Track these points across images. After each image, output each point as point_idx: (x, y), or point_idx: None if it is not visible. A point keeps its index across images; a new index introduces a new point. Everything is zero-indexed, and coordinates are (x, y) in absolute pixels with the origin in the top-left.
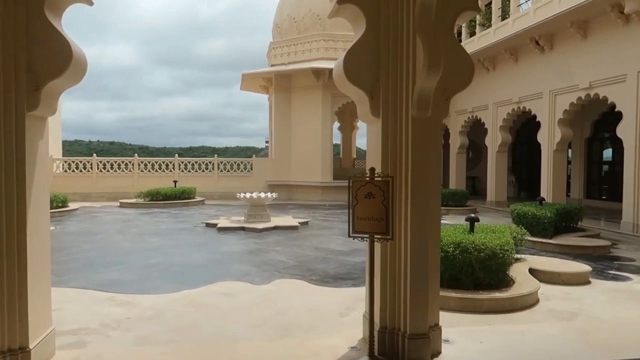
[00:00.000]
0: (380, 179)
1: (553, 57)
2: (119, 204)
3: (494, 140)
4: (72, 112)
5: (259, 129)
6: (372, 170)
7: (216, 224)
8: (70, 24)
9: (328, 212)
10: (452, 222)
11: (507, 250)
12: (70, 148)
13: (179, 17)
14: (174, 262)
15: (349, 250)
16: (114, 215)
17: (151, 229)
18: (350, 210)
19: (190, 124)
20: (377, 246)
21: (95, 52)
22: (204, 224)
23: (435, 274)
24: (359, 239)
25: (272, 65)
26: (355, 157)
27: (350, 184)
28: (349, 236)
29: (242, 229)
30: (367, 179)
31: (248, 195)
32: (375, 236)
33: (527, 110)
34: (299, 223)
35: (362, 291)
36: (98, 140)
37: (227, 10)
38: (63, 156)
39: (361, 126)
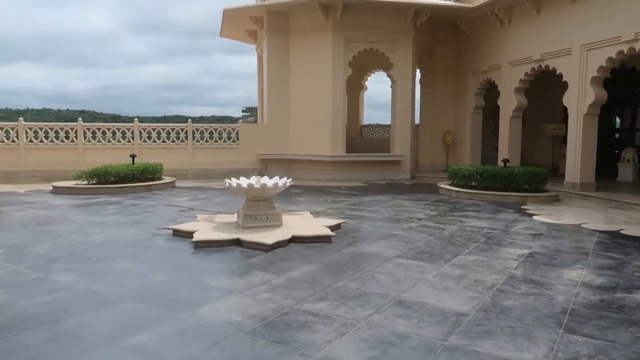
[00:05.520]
0: None
1: None
2: (51, 189)
3: (581, 100)
4: (42, 80)
5: (235, 98)
6: None
7: (191, 233)
8: None
9: (353, 202)
10: (552, 220)
11: None
12: (38, 117)
13: None
14: None
15: (478, 310)
16: (33, 209)
17: (76, 245)
18: None
19: (166, 93)
20: None
21: (65, 17)
22: (171, 231)
23: None
24: None
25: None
26: (362, 124)
27: None
28: None
29: (238, 243)
30: None
31: (244, 182)
32: None
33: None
34: (330, 229)
35: None
36: (67, 109)
37: None
38: None
39: (371, 86)
